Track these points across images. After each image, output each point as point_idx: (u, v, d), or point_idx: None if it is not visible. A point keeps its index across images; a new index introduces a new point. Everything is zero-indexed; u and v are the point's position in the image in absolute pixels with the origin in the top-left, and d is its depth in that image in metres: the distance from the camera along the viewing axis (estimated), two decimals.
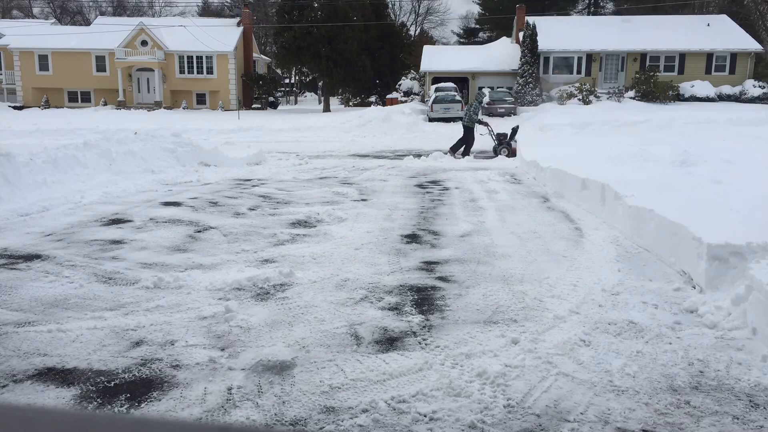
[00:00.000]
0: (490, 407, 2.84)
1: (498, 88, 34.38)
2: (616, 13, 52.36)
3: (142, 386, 3.03)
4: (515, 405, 2.86)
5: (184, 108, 39.52)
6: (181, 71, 40.99)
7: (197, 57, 40.72)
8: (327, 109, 40.14)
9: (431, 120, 28.72)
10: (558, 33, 35.39)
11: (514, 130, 15.31)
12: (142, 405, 2.85)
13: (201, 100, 41.58)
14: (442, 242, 6.18)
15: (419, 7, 64.98)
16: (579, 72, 34.93)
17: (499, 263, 5.32)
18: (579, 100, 31.58)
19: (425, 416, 2.76)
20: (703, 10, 46.72)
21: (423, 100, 36.73)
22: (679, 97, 32.78)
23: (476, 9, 60.57)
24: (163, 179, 10.48)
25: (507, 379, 3.10)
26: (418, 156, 14.83)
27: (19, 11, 59.69)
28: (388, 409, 2.82)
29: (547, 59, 34.96)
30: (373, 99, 47.28)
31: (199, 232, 6.57)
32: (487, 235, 6.41)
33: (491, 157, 14.91)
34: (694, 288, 4.53)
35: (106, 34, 38.77)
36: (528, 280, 4.82)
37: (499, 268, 5.17)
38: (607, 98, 31.94)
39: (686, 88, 33.16)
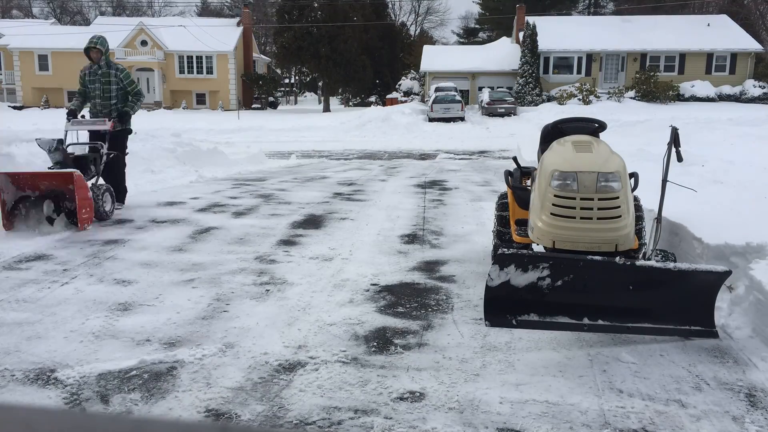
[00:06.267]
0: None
1: (498, 88, 34.43)
2: (616, 13, 52.41)
3: (141, 386, 3.03)
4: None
5: (183, 108, 39.54)
6: (181, 71, 41.00)
7: (197, 57, 40.74)
8: (327, 109, 40.16)
9: (431, 120, 28.78)
10: (558, 33, 35.42)
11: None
12: (142, 405, 2.85)
13: (201, 100, 41.60)
14: (443, 242, 6.18)
15: (419, 7, 65.06)
16: (579, 72, 34.96)
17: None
18: (579, 100, 31.62)
19: (424, 419, 2.76)
20: (703, 10, 46.75)
21: (423, 100, 36.78)
22: (679, 97, 32.83)
23: (476, 9, 60.66)
24: (163, 179, 10.47)
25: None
26: (419, 156, 14.84)
27: (18, 11, 59.69)
28: (389, 409, 2.82)
29: (547, 59, 34.98)
30: (373, 99, 47.36)
31: (199, 232, 6.57)
32: (487, 236, 6.40)
33: None
34: None
35: (106, 34, 38.78)
36: None
37: None
38: (607, 98, 31.98)
39: (686, 88, 33.21)
